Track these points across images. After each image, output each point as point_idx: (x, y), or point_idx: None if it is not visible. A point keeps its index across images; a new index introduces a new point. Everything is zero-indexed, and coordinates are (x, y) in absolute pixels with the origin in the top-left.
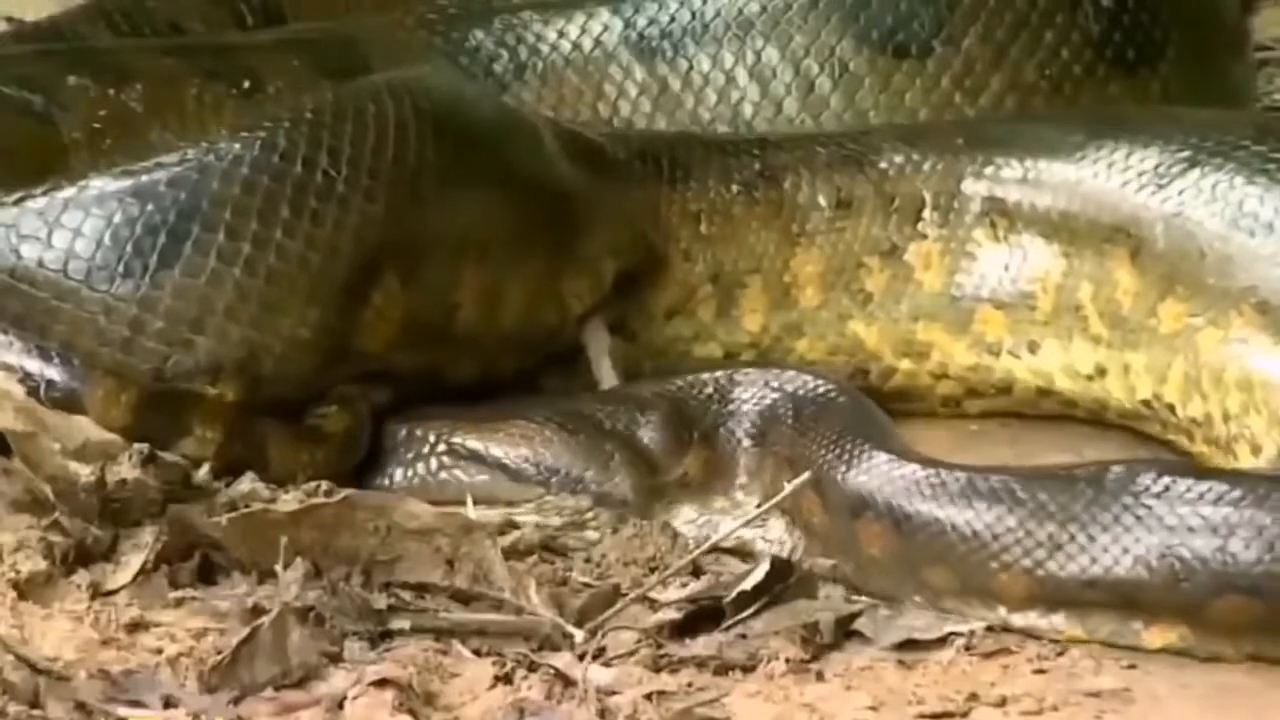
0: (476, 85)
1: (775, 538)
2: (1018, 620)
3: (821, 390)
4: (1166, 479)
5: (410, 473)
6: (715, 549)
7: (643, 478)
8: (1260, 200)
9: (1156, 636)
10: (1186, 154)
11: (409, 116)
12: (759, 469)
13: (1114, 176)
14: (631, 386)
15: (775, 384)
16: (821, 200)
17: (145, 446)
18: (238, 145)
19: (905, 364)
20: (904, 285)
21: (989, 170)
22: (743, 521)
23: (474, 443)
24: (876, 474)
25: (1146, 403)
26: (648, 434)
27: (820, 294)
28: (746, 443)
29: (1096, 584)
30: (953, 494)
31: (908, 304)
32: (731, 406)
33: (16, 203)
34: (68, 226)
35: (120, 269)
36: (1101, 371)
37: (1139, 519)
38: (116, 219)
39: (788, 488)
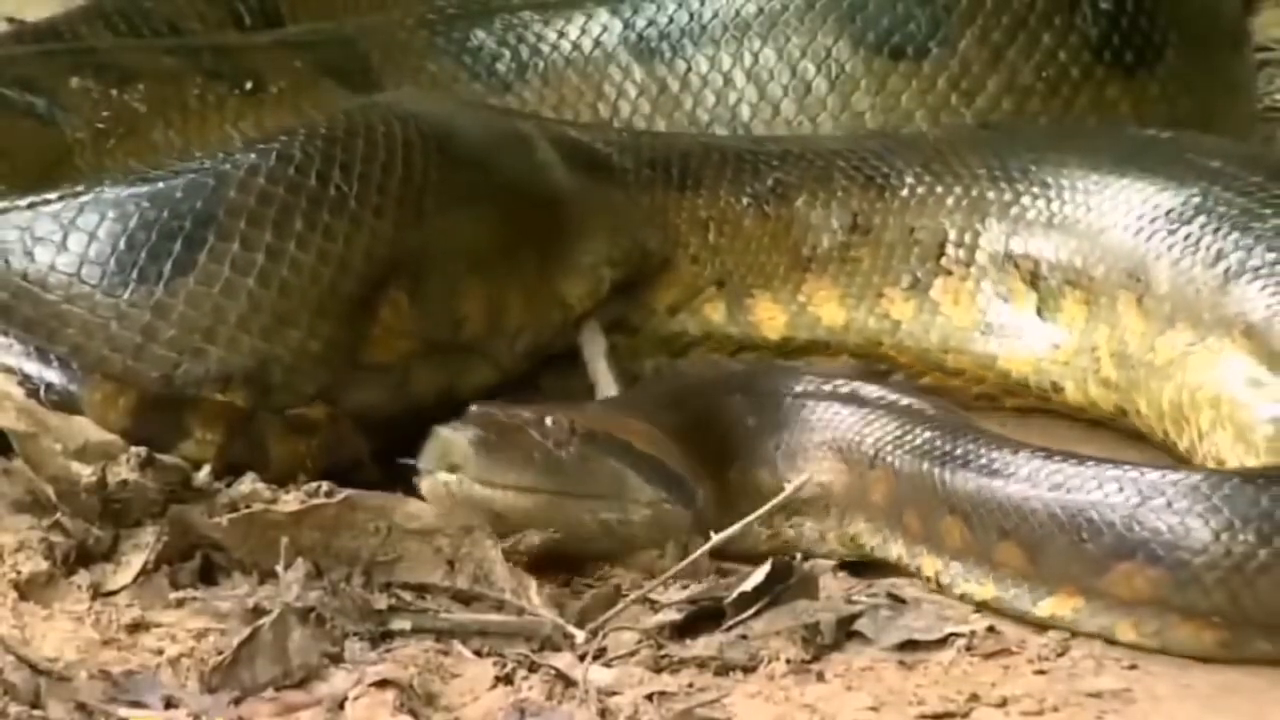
0: (469, 103)
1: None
2: (955, 570)
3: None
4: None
5: (550, 460)
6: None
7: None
8: (1256, 239)
9: (1052, 606)
10: (1197, 199)
11: (414, 137)
12: (803, 465)
13: (1130, 222)
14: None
15: (786, 382)
16: (835, 223)
17: (143, 450)
18: (253, 156)
19: (937, 375)
20: (931, 318)
21: (1014, 211)
22: (741, 525)
23: (615, 434)
24: (886, 431)
25: (1163, 440)
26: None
27: (843, 315)
28: (777, 444)
29: (1010, 535)
30: (933, 446)
31: (936, 335)
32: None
33: (31, 206)
34: (83, 231)
35: (134, 275)
36: (1123, 412)
37: (1058, 483)
38: (132, 224)
39: (789, 488)
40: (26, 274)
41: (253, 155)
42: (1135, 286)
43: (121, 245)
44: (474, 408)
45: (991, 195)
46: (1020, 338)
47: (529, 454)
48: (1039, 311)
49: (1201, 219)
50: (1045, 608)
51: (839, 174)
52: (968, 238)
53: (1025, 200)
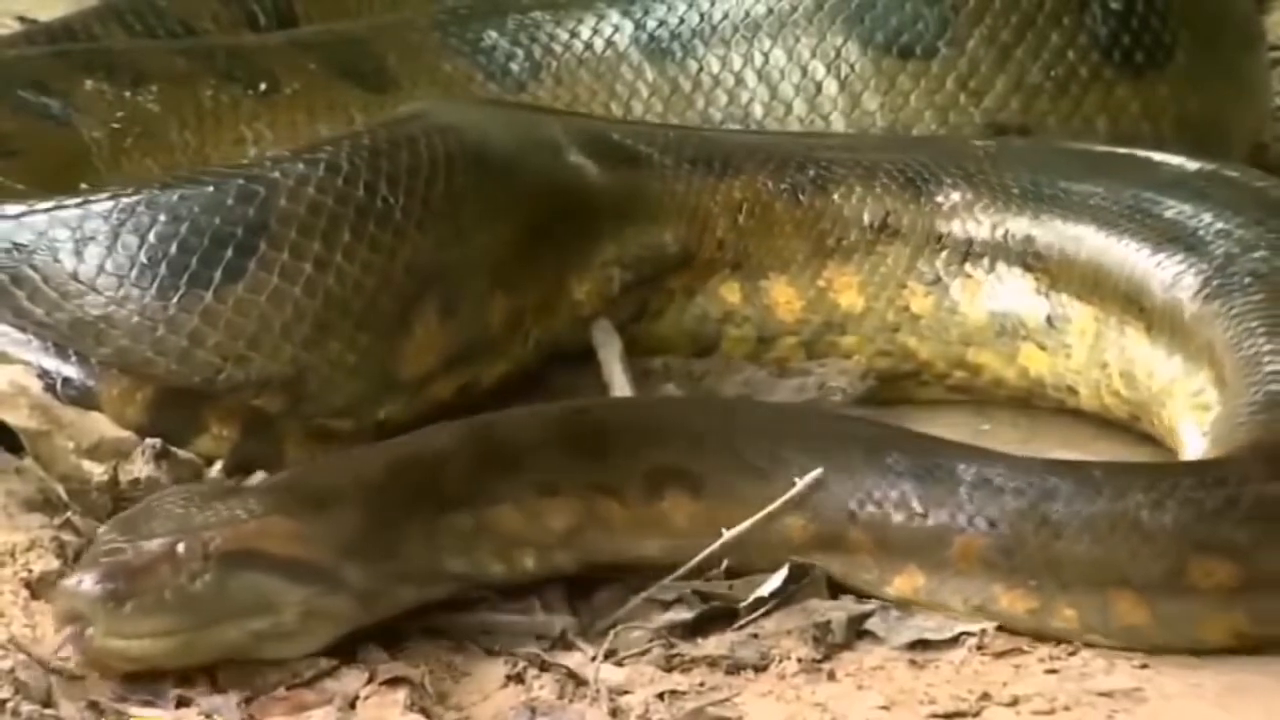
0: (501, 106)
1: None
2: (815, 559)
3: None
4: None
5: (184, 596)
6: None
7: None
8: (1238, 268)
9: (898, 586)
10: (1200, 231)
11: (455, 150)
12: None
13: (1137, 250)
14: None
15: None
16: (866, 219)
17: (158, 442)
18: (302, 165)
19: (960, 374)
20: (950, 315)
21: (1037, 228)
22: (754, 520)
23: (253, 545)
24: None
25: (1169, 451)
26: None
27: (862, 302)
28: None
29: (857, 520)
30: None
31: (957, 331)
32: None
33: (82, 205)
34: (134, 233)
35: (185, 279)
36: (1136, 419)
37: (889, 465)
38: (184, 229)
39: (800, 484)
40: (76, 274)
41: (301, 164)
42: (1140, 314)
43: (173, 249)
44: (103, 533)
45: (1020, 211)
46: (1034, 335)
47: (159, 597)
48: (1050, 320)
49: (1198, 250)
50: (892, 590)
51: (883, 174)
52: (992, 249)
53: (1050, 220)
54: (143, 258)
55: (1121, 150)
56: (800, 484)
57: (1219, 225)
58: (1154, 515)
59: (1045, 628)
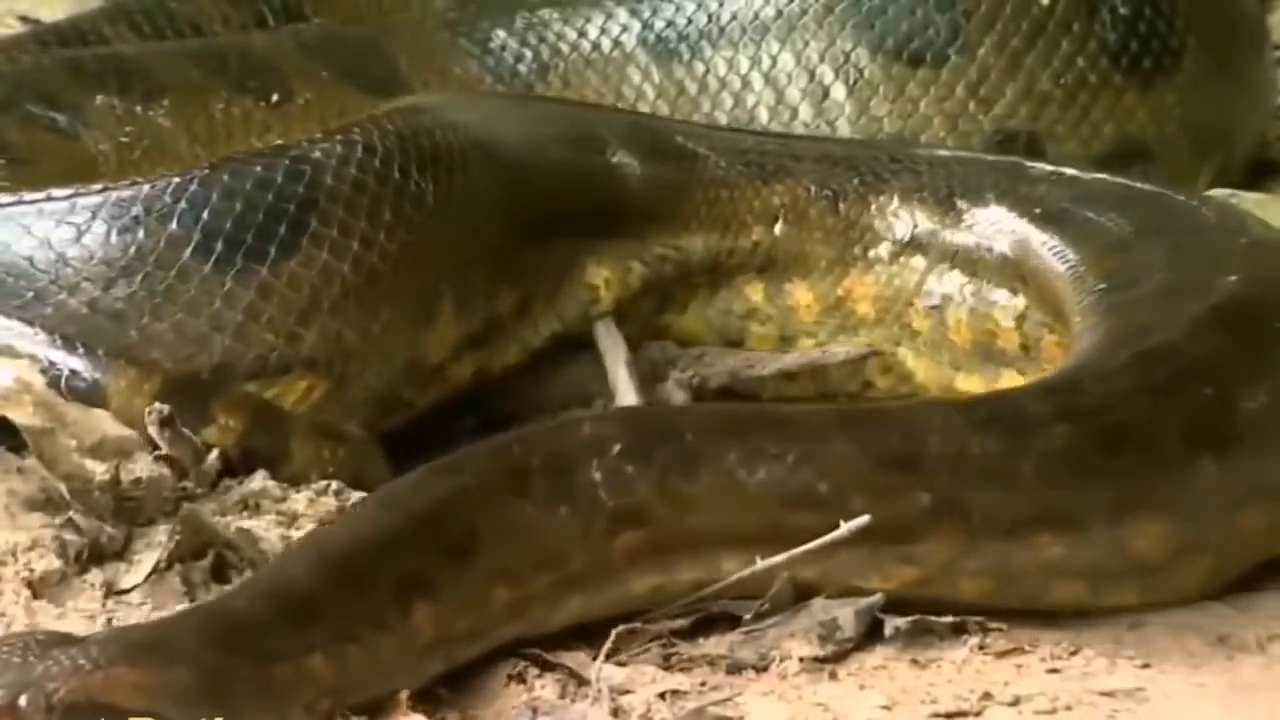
0: (540, 102)
1: None
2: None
3: None
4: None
5: None
6: None
7: None
8: (1115, 310)
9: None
10: (1142, 273)
11: (466, 145)
12: None
13: (1085, 286)
14: None
15: None
16: (897, 232)
17: (165, 408)
18: (339, 145)
19: (952, 394)
20: (943, 339)
21: (1030, 251)
22: (794, 552)
23: (99, 698)
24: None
25: None
26: None
27: (874, 313)
28: None
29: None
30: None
31: (948, 355)
32: None
33: (133, 185)
34: (191, 209)
35: (241, 255)
36: None
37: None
38: (239, 205)
39: (844, 528)
40: (130, 251)
41: (339, 145)
42: None
43: (228, 226)
44: None
45: (1027, 235)
46: (1014, 363)
47: None
48: (1024, 348)
49: (1122, 289)
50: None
51: (926, 190)
52: (993, 270)
53: (1044, 247)
54: (198, 234)
55: (1180, 198)
56: (845, 527)
57: (1158, 268)
58: (749, 474)
59: (666, 593)
